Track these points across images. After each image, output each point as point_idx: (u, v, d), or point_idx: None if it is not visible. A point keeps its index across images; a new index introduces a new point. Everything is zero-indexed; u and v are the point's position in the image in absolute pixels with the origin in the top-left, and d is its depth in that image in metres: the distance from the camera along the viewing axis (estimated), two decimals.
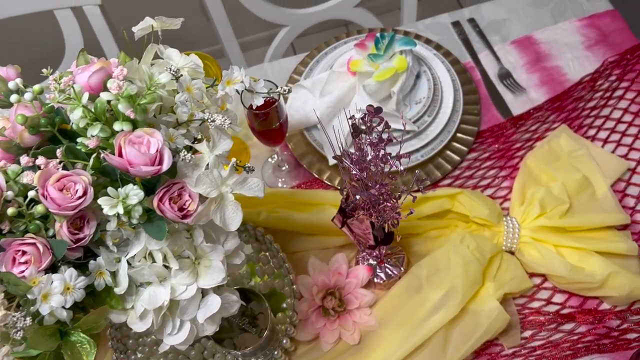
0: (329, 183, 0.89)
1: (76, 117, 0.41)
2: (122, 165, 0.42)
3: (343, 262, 0.79)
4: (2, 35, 1.42)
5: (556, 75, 0.96)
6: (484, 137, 0.92)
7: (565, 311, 0.78)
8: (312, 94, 0.90)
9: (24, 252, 0.44)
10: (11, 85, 0.44)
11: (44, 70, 0.48)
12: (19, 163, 0.45)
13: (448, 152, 0.89)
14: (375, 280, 0.80)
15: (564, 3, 1.04)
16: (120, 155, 0.42)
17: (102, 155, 0.44)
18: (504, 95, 0.95)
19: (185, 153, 0.45)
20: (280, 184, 0.92)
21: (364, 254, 0.81)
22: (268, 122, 0.77)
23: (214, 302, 0.50)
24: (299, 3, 1.21)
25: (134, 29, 0.59)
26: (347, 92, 0.88)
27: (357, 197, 0.58)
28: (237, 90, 0.53)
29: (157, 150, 0.42)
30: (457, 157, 0.89)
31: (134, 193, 0.44)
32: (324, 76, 0.90)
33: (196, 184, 0.45)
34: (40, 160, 0.44)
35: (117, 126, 0.42)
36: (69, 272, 0.44)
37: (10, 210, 0.43)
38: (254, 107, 0.58)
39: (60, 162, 0.45)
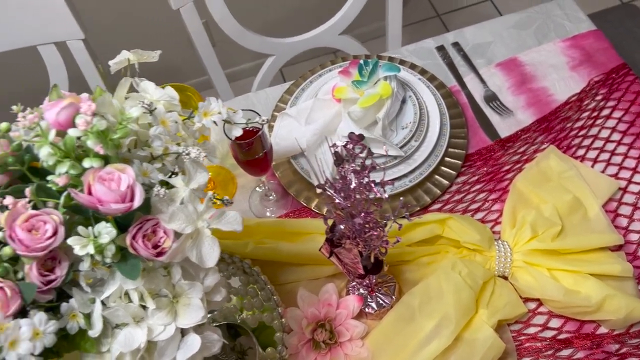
0: (317, 211, 0.88)
1: (44, 154, 0.40)
2: (91, 204, 0.40)
3: (333, 293, 0.77)
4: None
5: (542, 96, 0.96)
6: (472, 161, 0.91)
7: (562, 336, 0.76)
8: (297, 122, 0.89)
9: None
10: None
11: (14, 107, 0.47)
12: None
13: (436, 177, 0.88)
14: (367, 310, 0.77)
15: (546, 25, 1.04)
16: (89, 192, 0.41)
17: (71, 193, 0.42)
18: (490, 118, 0.95)
19: (159, 188, 0.44)
20: (268, 214, 0.90)
21: (354, 283, 0.79)
22: (252, 152, 0.76)
23: (194, 342, 0.48)
24: (285, 32, 1.22)
25: (110, 62, 0.58)
26: (333, 120, 0.87)
27: (342, 226, 0.57)
28: (214, 122, 0.52)
29: (128, 187, 0.41)
30: (445, 182, 0.88)
31: (106, 231, 0.43)
32: (309, 104, 0.90)
33: (170, 219, 0.43)
34: (8, 200, 0.42)
35: (86, 163, 0.41)
36: (38, 317, 0.42)
37: None
38: (234, 138, 0.56)
39: (29, 202, 0.44)
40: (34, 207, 0.44)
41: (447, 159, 0.90)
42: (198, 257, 0.45)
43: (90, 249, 0.41)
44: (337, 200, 0.56)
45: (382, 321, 0.76)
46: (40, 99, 1.21)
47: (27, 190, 0.43)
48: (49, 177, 0.44)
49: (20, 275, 0.44)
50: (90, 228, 0.42)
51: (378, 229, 0.58)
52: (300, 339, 0.75)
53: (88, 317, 0.46)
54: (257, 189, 0.92)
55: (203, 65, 1.18)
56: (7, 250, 0.42)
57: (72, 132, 0.40)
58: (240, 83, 1.85)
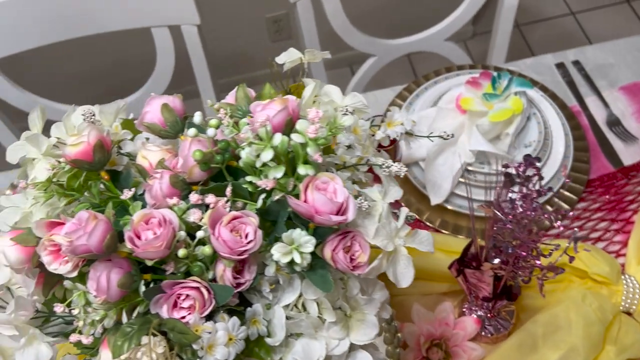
0: (429, 224, 0.85)
1: (266, 158, 0.38)
2: (308, 212, 0.39)
3: (450, 312, 0.75)
4: (91, 49, 1.42)
5: None
6: (594, 187, 0.87)
7: None
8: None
9: (186, 296, 0.41)
10: (196, 119, 0.41)
11: (209, 101, 0.46)
12: (182, 199, 0.43)
13: (557, 200, 0.85)
14: (483, 333, 0.75)
15: None
16: (304, 200, 0.39)
17: (276, 198, 0.41)
18: (613, 144, 0.91)
19: (362, 200, 0.42)
20: None
21: (470, 304, 0.76)
22: None
23: None
24: (387, 33, 1.19)
25: (280, 59, 0.57)
26: (456, 130, 0.85)
27: (510, 250, 0.54)
28: (397, 133, 0.50)
29: (344, 199, 0.39)
30: (566, 206, 0.85)
31: (305, 240, 0.41)
32: (431, 112, 0.87)
33: (375, 235, 0.41)
34: (210, 199, 0.41)
35: (302, 170, 0.39)
36: (232, 321, 0.41)
37: (182, 252, 0.40)
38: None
39: (227, 201, 0.42)
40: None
41: (568, 182, 0.86)
42: (394, 276, 0.43)
43: (297, 257, 0.40)
44: (507, 225, 0.54)
45: (501, 346, 0.73)
46: (137, 81, 1.18)
47: (228, 190, 0.42)
48: (247, 178, 0.42)
49: (210, 276, 0.43)
50: (291, 235, 0.41)
51: (541, 258, 0.56)
52: (415, 356, 0.73)
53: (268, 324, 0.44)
54: None
55: None
56: (206, 250, 0.41)
57: (296, 138, 0.39)
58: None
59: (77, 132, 0.46)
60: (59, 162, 0.46)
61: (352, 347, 0.48)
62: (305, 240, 0.41)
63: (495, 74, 0.83)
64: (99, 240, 0.37)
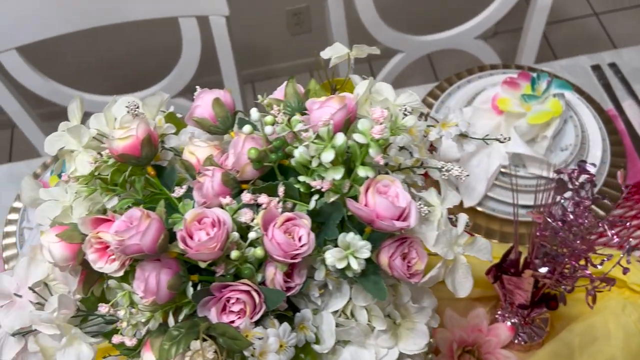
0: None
1: (327, 159, 0.36)
2: (369, 216, 0.37)
3: (484, 318, 0.73)
4: (115, 38, 1.40)
5: None
6: (630, 194, 0.85)
7: None
8: None
9: (236, 300, 0.39)
10: (254, 116, 0.40)
11: (259, 97, 0.44)
12: (232, 197, 0.41)
13: (593, 207, 0.83)
14: (516, 341, 0.73)
15: None
16: (365, 204, 0.37)
17: (331, 199, 0.39)
18: None
19: (421, 204, 0.40)
20: None
21: (504, 311, 0.74)
22: None
23: None
24: (417, 29, 1.17)
25: (325, 54, 0.55)
26: (492, 132, 0.82)
27: (560, 258, 0.52)
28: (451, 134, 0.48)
29: (407, 204, 0.37)
30: (602, 213, 0.82)
31: (361, 245, 0.39)
32: (467, 112, 0.85)
33: (436, 242, 0.39)
34: (263, 199, 0.39)
35: (362, 172, 0.37)
36: (283, 327, 0.39)
37: (235, 254, 0.38)
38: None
39: (278, 202, 0.40)
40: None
41: (604, 188, 0.84)
42: (452, 285, 0.41)
43: (354, 263, 0.38)
44: (559, 232, 0.52)
45: (535, 355, 0.71)
46: (162, 71, 1.15)
47: (281, 190, 0.40)
48: (300, 178, 0.41)
49: (259, 279, 0.41)
50: (346, 239, 0.39)
51: (589, 267, 0.54)
52: None
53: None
54: None
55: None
56: (258, 252, 0.39)
57: (358, 139, 0.37)
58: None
59: (121, 125, 0.44)
60: (101, 154, 0.45)
61: (400, 357, 0.46)
62: (361, 245, 0.39)
63: (534, 75, 0.80)
64: (152, 240, 0.35)
